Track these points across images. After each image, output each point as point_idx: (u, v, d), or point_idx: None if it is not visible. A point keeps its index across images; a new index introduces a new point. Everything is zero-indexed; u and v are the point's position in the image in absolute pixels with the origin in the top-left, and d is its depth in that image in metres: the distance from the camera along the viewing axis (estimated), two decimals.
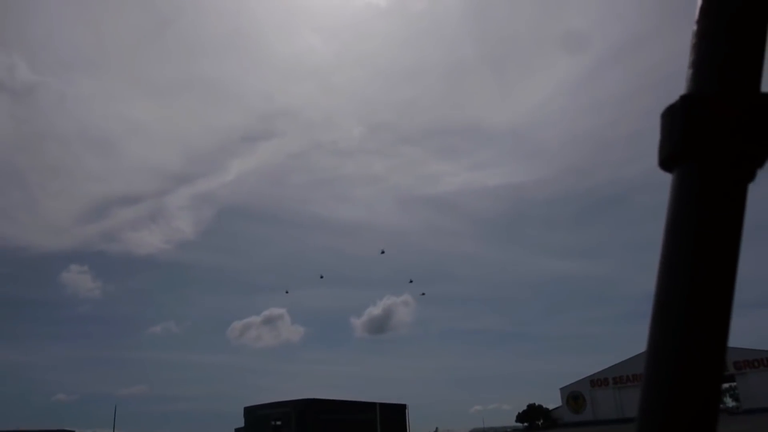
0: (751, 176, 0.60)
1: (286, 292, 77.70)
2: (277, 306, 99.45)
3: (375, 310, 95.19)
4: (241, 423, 69.10)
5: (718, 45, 0.62)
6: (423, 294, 76.75)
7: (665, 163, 0.62)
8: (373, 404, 64.03)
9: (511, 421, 78.74)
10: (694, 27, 0.64)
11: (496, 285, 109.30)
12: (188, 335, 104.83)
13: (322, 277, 77.78)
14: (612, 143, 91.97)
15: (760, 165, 0.60)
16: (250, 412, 67.96)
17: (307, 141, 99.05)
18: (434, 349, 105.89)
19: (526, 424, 75.28)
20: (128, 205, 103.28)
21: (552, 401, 74.54)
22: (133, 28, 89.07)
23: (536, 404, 75.57)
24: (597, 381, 68.85)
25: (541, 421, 73.78)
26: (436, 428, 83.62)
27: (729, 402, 74.09)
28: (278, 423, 63.01)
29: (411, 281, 79.07)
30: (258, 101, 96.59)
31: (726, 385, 68.95)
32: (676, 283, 0.58)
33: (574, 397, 70.14)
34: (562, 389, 71.79)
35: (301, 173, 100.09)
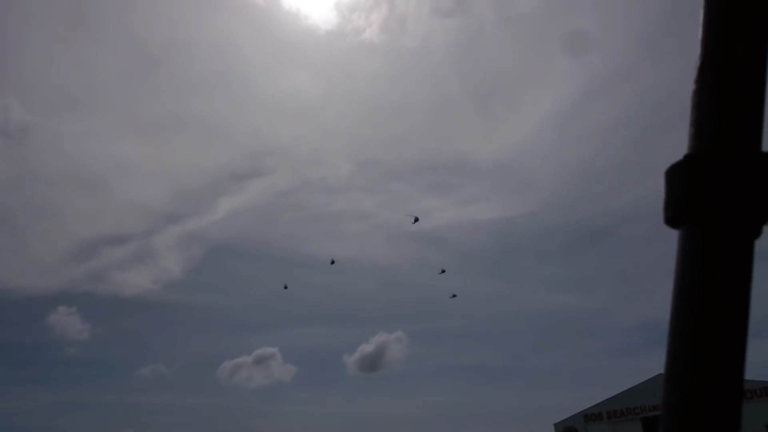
0: (756, 233, 0.62)
1: (285, 287, 73.51)
2: (269, 345, 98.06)
3: (368, 348, 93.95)
4: None
5: (718, 105, 0.64)
6: (454, 296, 72.91)
7: (671, 221, 0.64)
8: None
9: None
10: (694, 86, 0.67)
11: (488, 319, 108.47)
12: (177, 377, 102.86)
13: (333, 262, 71.50)
14: (599, 175, 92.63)
15: (765, 222, 0.61)
16: None
17: (296, 178, 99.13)
18: (427, 385, 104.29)
19: None
20: (116, 245, 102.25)
21: None
22: (123, 68, 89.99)
23: None
24: (591, 416, 67.77)
25: None
26: None
27: None
28: None
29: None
30: (247, 139, 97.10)
31: None
32: (687, 344, 0.59)
33: None
34: (555, 425, 70.43)
35: (290, 211, 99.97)
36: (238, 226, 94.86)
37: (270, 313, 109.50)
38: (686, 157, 0.65)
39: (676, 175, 0.65)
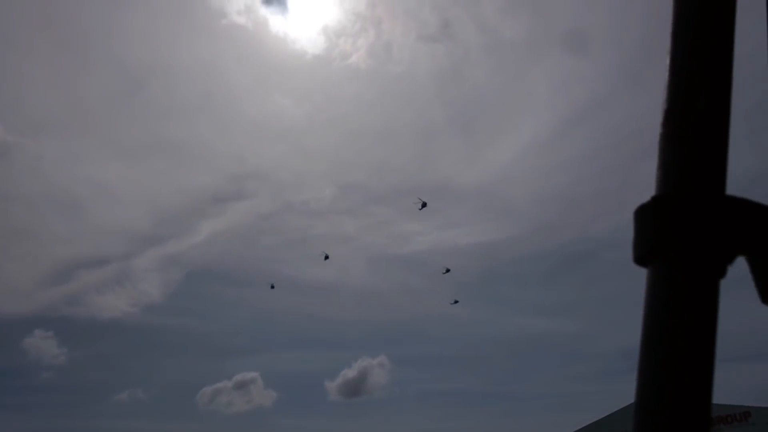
0: (722, 273, 0.64)
1: (272, 287, 70.62)
2: (249, 370, 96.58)
3: (350, 373, 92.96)
4: None
5: (683, 149, 0.67)
6: (456, 302, 69.54)
7: (639, 260, 0.67)
8: None
9: None
10: (660, 129, 0.69)
11: (470, 344, 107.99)
12: (155, 402, 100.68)
13: (326, 257, 67.28)
14: (579, 201, 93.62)
15: (730, 262, 0.64)
16: None
17: (278, 202, 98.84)
18: (410, 411, 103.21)
19: None
20: (94, 268, 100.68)
21: None
22: (105, 90, 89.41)
23: None
24: None
25: None
26: None
27: None
28: None
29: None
30: (229, 162, 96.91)
31: None
32: (654, 380, 0.61)
33: None
34: None
35: (272, 234, 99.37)
36: (219, 249, 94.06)
37: (251, 338, 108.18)
38: (653, 198, 0.67)
39: (643, 215, 0.67)
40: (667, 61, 0.71)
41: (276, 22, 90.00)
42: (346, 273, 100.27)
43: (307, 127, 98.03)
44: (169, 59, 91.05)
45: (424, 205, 59.89)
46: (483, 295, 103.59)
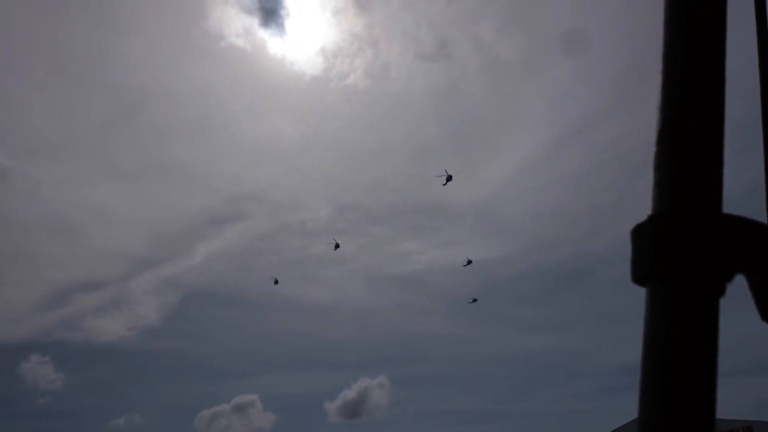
0: (721, 292, 0.64)
1: (276, 282, 67.24)
2: (248, 392, 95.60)
3: (350, 394, 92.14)
4: None
5: (679, 168, 0.67)
6: (475, 300, 64.21)
7: (638, 279, 0.67)
8: None
9: None
10: (655, 149, 0.70)
11: (469, 363, 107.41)
12: (153, 427, 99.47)
13: (337, 246, 62.63)
14: (575, 218, 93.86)
15: (728, 280, 0.64)
16: None
17: (274, 223, 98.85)
18: (411, 431, 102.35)
19: None
20: (90, 292, 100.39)
21: None
22: (102, 114, 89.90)
23: None
24: None
25: None
26: None
27: None
28: None
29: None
30: (226, 184, 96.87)
31: None
32: (657, 400, 0.61)
33: None
34: None
35: (268, 255, 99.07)
36: (216, 270, 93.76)
37: (249, 360, 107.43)
38: (650, 217, 0.68)
39: (640, 235, 0.68)
40: (659, 80, 0.71)
41: (274, 44, 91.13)
42: (343, 293, 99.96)
43: (303, 148, 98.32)
44: (166, 82, 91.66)
45: (449, 179, 54.56)
46: (481, 313, 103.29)
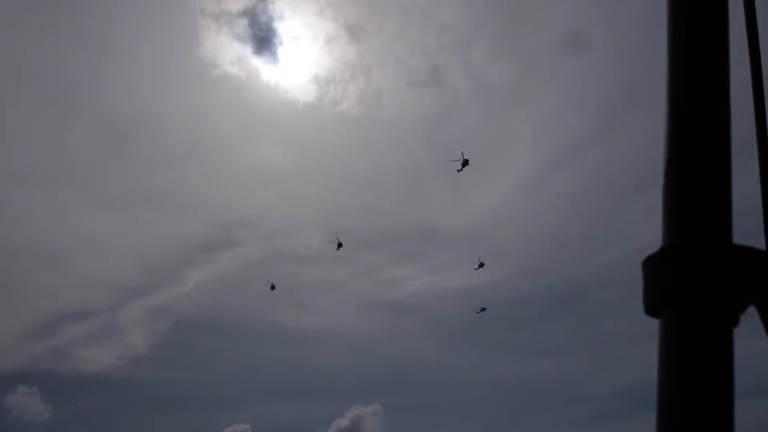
0: (734, 322, 0.64)
1: (272, 288, 64.56)
2: (240, 422, 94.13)
3: (343, 422, 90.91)
4: None
5: (688, 198, 0.67)
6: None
7: (650, 311, 0.67)
8: None
9: None
10: (663, 179, 0.70)
11: (463, 389, 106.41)
12: None
13: (339, 246, 58.43)
14: (567, 241, 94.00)
15: (741, 311, 0.64)
16: None
17: (266, 249, 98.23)
18: None
19: None
20: (79, 321, 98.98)
21: None
22: (90, 142, 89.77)
23: None
24: None
25: None
26: None
27: None
28: None
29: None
30: (217, 211, 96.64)
31: None
32: (673, 430, 0.60)
33: None
34: None
35: (260, 282, 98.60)
36: (207, 298, 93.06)
37: (241, 389, 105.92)
38: (661, 249, 0.68)
39: (652, 266, 0.68)
40: (664, 110, 0.71)
41: (268, 71, 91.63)
42: (336, 320, 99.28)
43: (295, 174, 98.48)
44: (158, 110, 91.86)
45: (465, 163, 50.24)
46: (475, 339, 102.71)
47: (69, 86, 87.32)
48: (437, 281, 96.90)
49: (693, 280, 0.64)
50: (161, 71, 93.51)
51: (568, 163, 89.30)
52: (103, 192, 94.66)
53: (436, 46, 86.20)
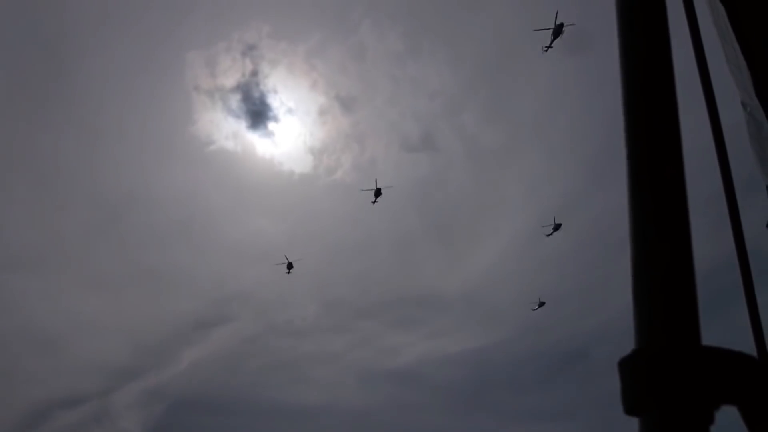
0: (710, 420, 0.65)
1: (290, 267, 59.91)
2: None
3: None
4: None
5: (656, 302, 0.70)
6: (543, 304, 59.29)
7: (629, 411, 0.69)
8: None
9: None
10: (631, 283, 0.72)
11: None
12: None
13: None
14: (563, 299, 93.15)
15: (716, 408, 0.66)
16: None
17: (261, 323, 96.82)
18: None
19: None
20: (70, 408, 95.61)
21: None
22: (82, 224, 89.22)
23: None
24: None
25: None
26: None
27: None
28: None
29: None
30: (210, 286, 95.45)
31: None
32: None
33: None
34: None
35: (256, 357, 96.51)
36: (203, 377, 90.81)
37: None
38: (633, 351, 0.70)
39: (626, 368, 0.70)
40: (627, 218, 0.75)
41: (263, 145, 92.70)
42: (335, 393, 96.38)
43: (289, 245, 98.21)
44: (150, 188, 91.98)
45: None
46: (478, 404, 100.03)
47: (59, 169, 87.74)
48: (436, 347, 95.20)
49: (664, 383, 0.66)
50: (154, 150, 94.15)
51: (558, 221, 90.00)
52: (95, 273, 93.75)
53: (428, 112, 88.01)
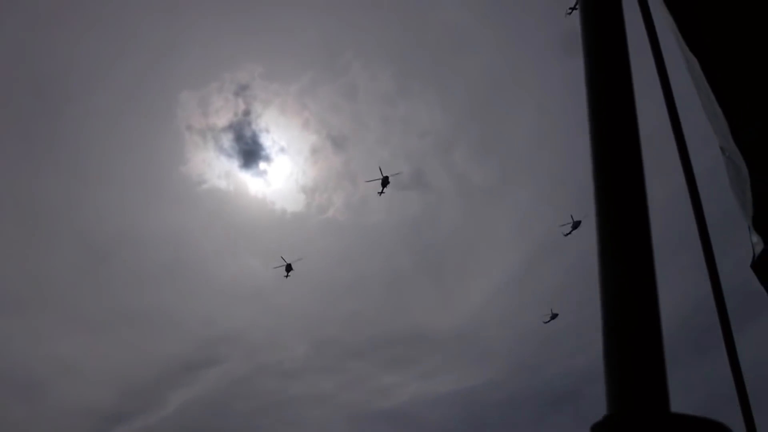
0: None
1: (288, 269, 58.05)
2: None
3: None
4: None
5: (624, 368, 0.72)
6: (555, 315, 55.70)
7: None
8: None
9: None
10: (602, 349, 0.74)
11: None
12: None
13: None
14: (555, 336, 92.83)
15: None
16: None
17: (251, 364, 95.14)
18: None
19: None
20: None
21: None
22: (67, 266, 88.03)
23: None
24: None
25: None
26: None
27: None
28: None
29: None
30: (199, 327, 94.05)
31: None
32: None
33: None
34: None
35: (246, 399, 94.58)
36: (191, 420, 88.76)
37: None
38: (605, 417, 0.72)
39: None
40: (598, 282, 0.78)
41: (255, 184, 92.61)
42: None
43: (278, 285, 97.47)
44: (139, 229, 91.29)
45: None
46: None
47: (45, 210, 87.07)
48: (428, 387, 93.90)
49: None
50: (145, 189, 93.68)
51: (548, 257, 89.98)
52: (81, 315, 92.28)
53: (418, 150, 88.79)
